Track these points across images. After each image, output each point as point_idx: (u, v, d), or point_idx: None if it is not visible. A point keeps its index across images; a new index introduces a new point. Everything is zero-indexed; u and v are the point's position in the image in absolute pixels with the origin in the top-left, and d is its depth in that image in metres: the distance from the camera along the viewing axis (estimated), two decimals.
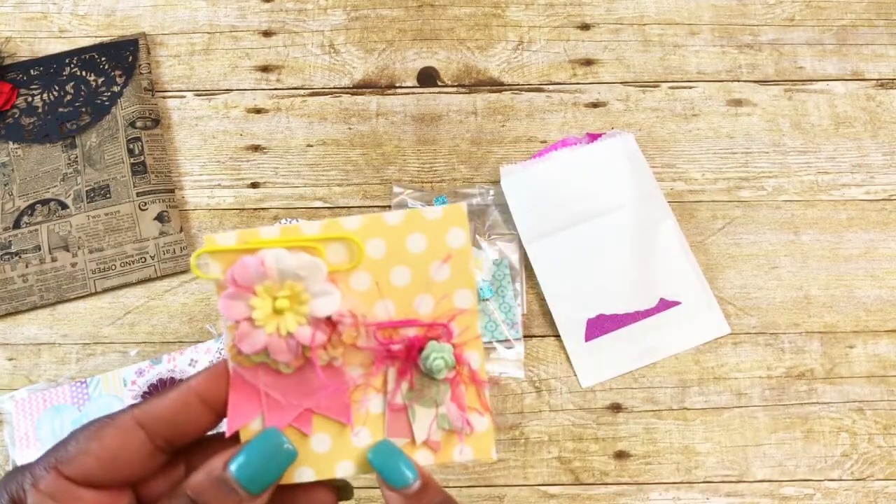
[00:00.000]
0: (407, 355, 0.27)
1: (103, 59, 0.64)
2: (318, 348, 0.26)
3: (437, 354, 0.26)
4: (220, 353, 0.56)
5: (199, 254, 0.25)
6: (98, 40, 0.65)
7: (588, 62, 0.65)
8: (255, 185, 0.62)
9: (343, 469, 0.27)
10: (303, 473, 0.26)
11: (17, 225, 0.59)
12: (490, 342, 0.57)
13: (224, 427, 0.26)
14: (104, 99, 0.63)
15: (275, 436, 0.25)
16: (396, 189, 0.61)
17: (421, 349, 0.27)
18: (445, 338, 0.27)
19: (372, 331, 0.27)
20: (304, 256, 0.26)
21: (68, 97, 0.63)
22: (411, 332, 0.27)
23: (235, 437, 0.26)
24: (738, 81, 0.65)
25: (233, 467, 0.24)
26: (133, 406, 0.26)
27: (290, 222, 0.60)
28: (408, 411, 0.27)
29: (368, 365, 0.27)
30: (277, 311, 0.25)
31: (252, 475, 0.24)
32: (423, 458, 0.27)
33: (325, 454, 0.27)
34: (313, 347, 0.25)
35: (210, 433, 0.28)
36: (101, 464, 0.24)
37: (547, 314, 0.58)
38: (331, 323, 0.26)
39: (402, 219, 0.27)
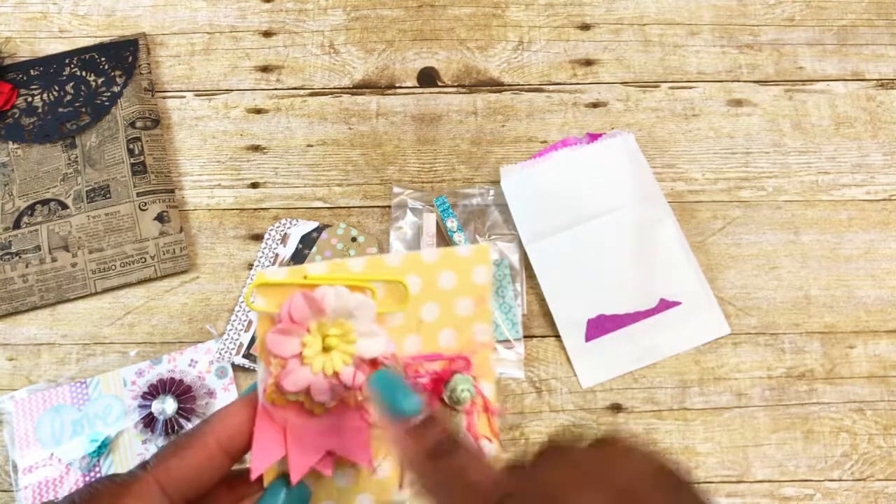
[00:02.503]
0: (433, 388, 0.27)
1: (103, 59, 0.64)
2: (356, 389, 0.25)
3: (464, 386, 0.27)
4: (221, 354, 0.56)
5: (255, 286, 0.25)
6: (98, 40, 0.65)
7: (588, 62, 0.65)
8: (255, 185, 0.62)
9: (362, 501, 0.27)
10: None
11: (17, 225, 0.59)
12: None
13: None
14: (104, 99, 0.63)
15: (290, 488, 0.24)
16: (396, 189, 0.61)
17: (446, 382, 0.27)
18: (465, 370, 0.28)
19: (403, 369, 0.27)
20: (359, 296, 0.25)
21: (68, 97, 0.63)
22: (435, 366, 0.27)
23: (241, 479, 0.26)
24: (739, 81, 0.64)
25: None
26: (149, 465, 0.23)
27: (290, 222, 0.60)
28: None
29: None
30: (325, 349, 0.25)
31: None
32: None
33: (347, 488, 0.27)
34: (354, 388, 0.25)
35: None
36: None
37: (547, 314, 0.58)
38: (372, 363, 0.26)
39: (437, 257, 0.27)
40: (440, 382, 0.27)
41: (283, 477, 0.25)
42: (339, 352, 0.25)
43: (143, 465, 0.23)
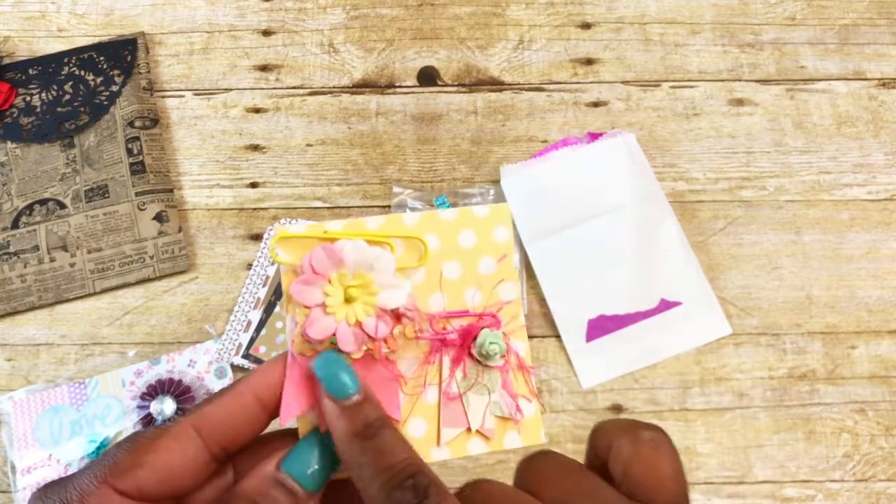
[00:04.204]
0: (462, 343, 0.28)
1: (102, 58, 0.64)
2: (380, 340, 0.26)
3: (492, 340, 0.28)
4: (220, 354, 0.56)
5: (278, 238, 0.26)
6: (97, 39, 0.65)
7: (589, 61, 0.65)
8: (254, 185, 0.61)
9: None
10: None
11: (15, 225, 0.59)
12: None
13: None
14: (103, 98, 0.62)
15: (324, 438, 0.25)
16: (396, 189, 0.60)
17: (474, 337, 0.28)
18: (494, 327, 0.28)
19: (428, 322, 0.28)
20: (377, 249, 0.26)
21: (67, 97, 0.63)
22: (463, 323, 0.28)
23: (280, 436, 0.26)
24: (740, 81, 0.64)
25: (288, 467, 0.24)
26: (186, 413, 0.24)
27: (290, 222, 0.60)
28: (462, 400, 0.28)
29: (421, 358, 0.28)
30: (348, 300, 0.26)
31: (309, 473, 0.24)
32: (476, 446, 0.28)
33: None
34: (377, 338, 0.26)
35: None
36: (157, 476, 0.23)
37: (547, 314, 0.57)
38: (395, 316, 0.27)
39: (455, 215, 0.28)
40: (469, 337, 0.28)
41: (318, 428, 0.25)
42: (361, 303, 0.26)
43: (183, 413, 0.24)
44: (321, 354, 0.26)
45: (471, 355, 0.28)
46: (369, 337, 0.26)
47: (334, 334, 0.26)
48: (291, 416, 0.26)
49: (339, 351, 0.26)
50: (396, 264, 0.27)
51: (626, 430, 0.23)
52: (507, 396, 0.28)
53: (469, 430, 0.28)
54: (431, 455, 0.28)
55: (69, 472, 0.53)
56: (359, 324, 0.26)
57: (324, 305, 0.26)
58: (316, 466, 0.24)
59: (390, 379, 0.27)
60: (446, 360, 0.28)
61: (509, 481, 0.24)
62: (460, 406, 0.28)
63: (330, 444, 0.25)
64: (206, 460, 0.24)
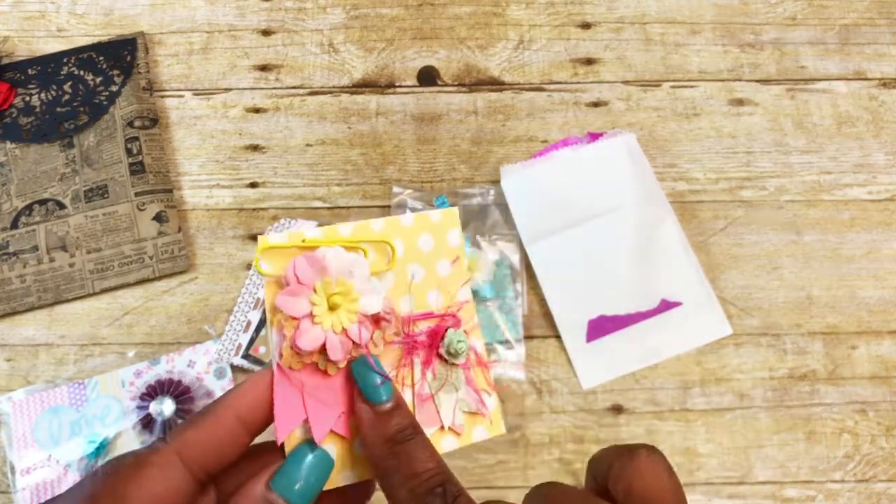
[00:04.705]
0: (431, 344, 0.29)
1: (101, 58, 0.64)
2: (364, 346, 0.27)
3: (459, 339, 0.29)
4: (220, 355, 0.56)
5: (260, 251, 0.26)
6: (96, 39, 0.65)
7: (589, 61, 0.65)
8: (253, 185, 0.61)
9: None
10: (346, 476, 0.27)
11: (14, 225, 0.59)
12: (490, 343, 0.56)
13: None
14: (102, 98, 0.62)
15: (313, 448, 0.25)
16: (396, 189, 0.60)
17: (441, 338, 0.29)
18: (456, 326, 0.29)
19: (401, 324, 0.28)
20: (353, 255, 0.27)
21: (66, 97, 0.63)
22: (430, 324, 0.29)
23: (260, 449, 0.26)
24: (740, 81, 0.64)
25: (278, 486, 0.23)
26: (167, 438, 0.24)
27: (290, 222, 0.59)
28: (434, 399, 0.29)
29: (396, 361, 0.28)
30: (331, 308, 0.26)
31: (297, 490, 0.24)
32: (449, 443, 0.29)
33: (364, 455, 0.27)
34: (362, 345, 0.26)
35: None
36: None
37: (547, 315, 0.57)
38: (374, 320, 0.27)
39: (412, 221, 0.29)
40: (436, 337, 0.29)
41: (306, 443, 0.26)
42: (344, 310, 0.26)
43: (163, 439, 0.24)
44: (358, 360, 0.26)
45: (438, 355, 0.29)
46: (354, 344, 0.26)
47: (323, 345, 0.26)
48: (286, 433, 0.25)
49: (368, 354, 0.26)
50: (374, 270, 0.28)
51: (624, 450, 0.24)
52: (471, 392, 0.30)
53: (442, 428, 0.29)
54: None
55: (68, 474, 0.53)
56: (344, 331, 0.26)
57: (311, 315, 0.26)
58: (305, 483, 0.24)
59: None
60: (416, 362, 0.29)
61: (508, 481, 0.24)
62: (433, 406, 0.29)
63: (322, 456, 0.25)
64: (190, 487, 0.24)
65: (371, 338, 0.27)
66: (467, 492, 0.23)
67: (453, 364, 0.29)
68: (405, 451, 0.24)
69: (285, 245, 0.26)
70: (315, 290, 0.26)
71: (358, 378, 0.25)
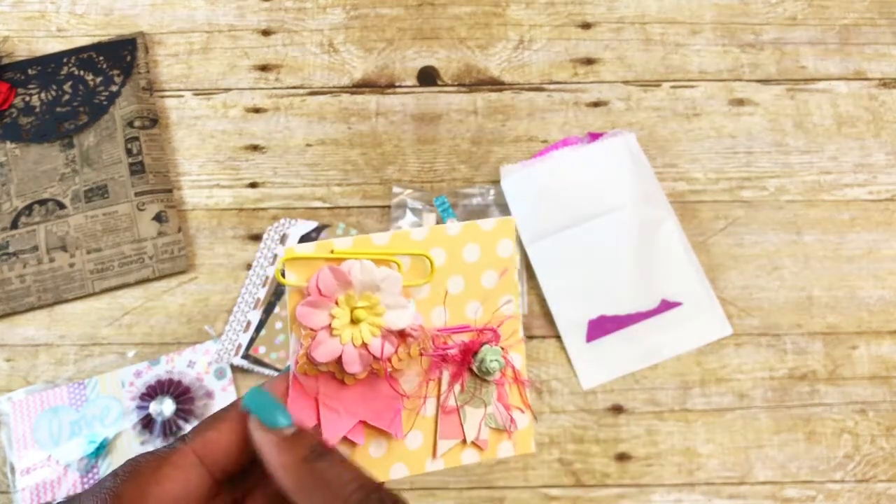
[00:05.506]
0: (462, 359, 0.28)
1: (101, 58, 0.64)
2: (386, 360, 0.26)
3: (493, 357, 0.28)
4: (220, 355, 0.56)
5: (284, 260, 0.26)
6: (96, 39, 0.65)
7: (589, 61, 0.65)
8: (253, 185, 0.61)
9: (397, 471, 0.28)
10: None
11: (14, 225, 0.59)
12: None
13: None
14: (102, 98, 0.62)
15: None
16: (396, 189, 0.60)
17: (475, 353, 0.28)
18: (494, 341, 0.29)
19: (431, 339, 0.28)
20: (385, 269, 0.26)
21: (66, 97, 0.63)
22: (463, 337, 0.28)
23: None
24: (741, 81, 0.64)
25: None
26: (185, 438, 0.24)
27: (289, 222, 0.59)
28: (459, 413, 0.28)
29: (422, 372, 0.28)
30: (354, 322, 0.26)
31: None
32: (470, 456, 0.28)
33: (381, 458, 0.27)
34: (383, 359, 0.26)
35: None
36: None
37: (548, 315, 0.57)
38: (400, 335, 0.26)
39: (460, 230, 0.28)
40: (469, 353, 0.28)
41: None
42: (368, 324, 0.26)
43: (182, 438, 0.24)
44: (249, 393, 0.25)
45: (470, 370, 0.28)
46: (375, 358, 0.26)
47: (340, 356, 0.26)
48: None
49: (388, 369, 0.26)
50: (408, 283, 0.27)
51: None
52: (502, 409, 0.29)
53: (464, 441, 0.28)
54: (426, 466, 0.28)
55: (68, 474, 0.53)
56: (364, 345, 0.26)
57: (330, 328, 0.26)
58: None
59: (393, 397, 0.27)
60: (445, 375, 0.28)
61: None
62: (457, 418, 0.28)
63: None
64: (209, 487, 0.24)
65: (396, 352, 0.26)
66: (404, 497, 0.22)
67: (486, 380, 0.29)
68: (325, 468, 0.23)
69: (311, 256, 0.26)
70: (337, 303, 0.26)
71: (254, 409, 0.24)
